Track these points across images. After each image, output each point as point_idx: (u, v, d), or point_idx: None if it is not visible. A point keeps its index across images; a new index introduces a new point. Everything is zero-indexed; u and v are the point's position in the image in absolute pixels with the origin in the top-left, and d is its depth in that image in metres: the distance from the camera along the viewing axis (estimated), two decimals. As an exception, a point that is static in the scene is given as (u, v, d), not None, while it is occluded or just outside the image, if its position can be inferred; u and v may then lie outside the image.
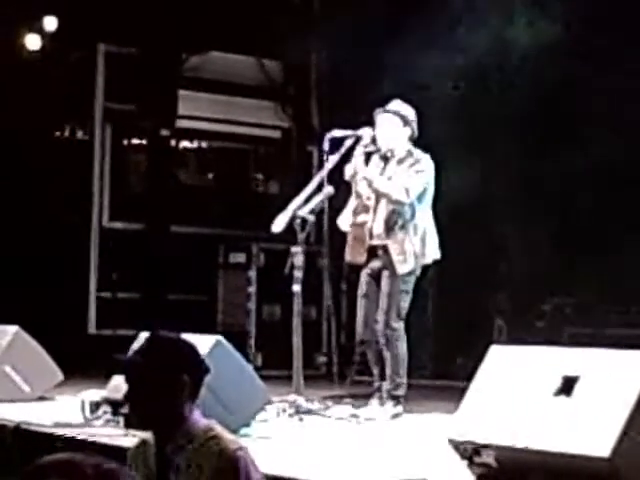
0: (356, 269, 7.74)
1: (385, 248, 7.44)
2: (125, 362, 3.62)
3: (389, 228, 7.43)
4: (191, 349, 3.57)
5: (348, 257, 7.71)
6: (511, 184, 10.59)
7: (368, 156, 7.61)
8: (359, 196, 7.57)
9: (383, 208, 7.47)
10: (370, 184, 7.45)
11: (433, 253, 7.54)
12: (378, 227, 7.49)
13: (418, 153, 7.52)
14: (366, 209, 7.55)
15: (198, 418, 3.51)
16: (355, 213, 7.61)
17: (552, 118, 10.13)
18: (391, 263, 7.38)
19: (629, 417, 4.27)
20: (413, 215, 7.42)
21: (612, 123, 9.67)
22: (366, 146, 7.56)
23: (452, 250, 8.48)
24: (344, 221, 7.68)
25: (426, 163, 7.48)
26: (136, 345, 6.27)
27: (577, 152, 9.81)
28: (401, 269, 7.37)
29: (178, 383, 3.46)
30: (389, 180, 7.46)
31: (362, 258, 7.56)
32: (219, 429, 3.50)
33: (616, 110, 9.64)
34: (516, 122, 10.39)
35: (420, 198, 7.44)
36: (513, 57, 10.28)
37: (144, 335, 6.38)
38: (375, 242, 7.50)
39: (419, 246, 7.43)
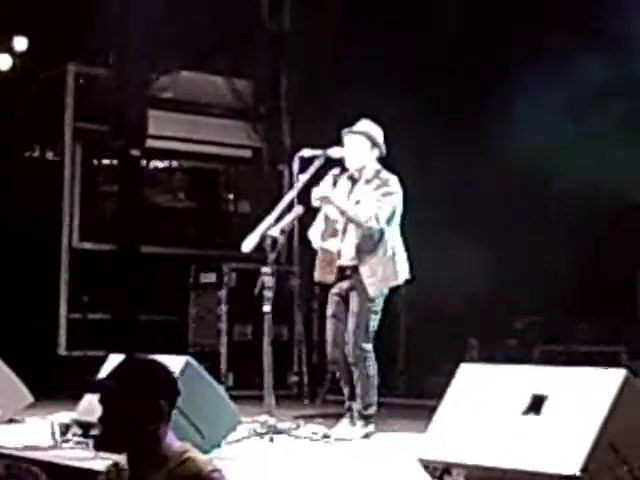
0: (325, 289, 7.75)
1: (355, 269, 7.44)
2: (100, 385, 3.59)
3: (359, 251, 7.43)
4: (166, 372, 3.56)
5: (317, 277, 7.71)
6: (481, 203, 10.65)
7: (335, 182, 7.62)
8: (328, 220, 7.57)
9: (352, 231, 7.47)
10: (342, 213, 7.46)
11: (403, 274, 7.55)
12: (348, 250, 7.49)
13: (386, 174, 7.53)
14: (335, 233, 7.55)
15: (172, 440, 3.50)
16: (324, 237, 7.60)
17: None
18: (361, 284, 7.39)
19: (598, 434, 4.29)
20: (382, 237, 7.43)
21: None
22: (335, 175, 7.59)
23: (423, 269, 8.51)
24: (314, 235, 7.66)
25: (394, 184, 7.49)
26: (108, 366, 6.25)
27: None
28: (372, 291, 7.38)
29: (155, 408, 3.45)
30: (357, 204, 7.46)
31: (331, 277, 7.56)
32: (193, 451, 3.50)
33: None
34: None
35: (389, 220, 7.45)
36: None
37: (114, 356, 6.38)
38: (344, 263, 7.50)
39: (389, 268, 7.44)
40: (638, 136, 9.50)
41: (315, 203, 7.49)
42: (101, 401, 3.50)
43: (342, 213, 7.45)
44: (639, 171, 9.47)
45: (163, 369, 3.55)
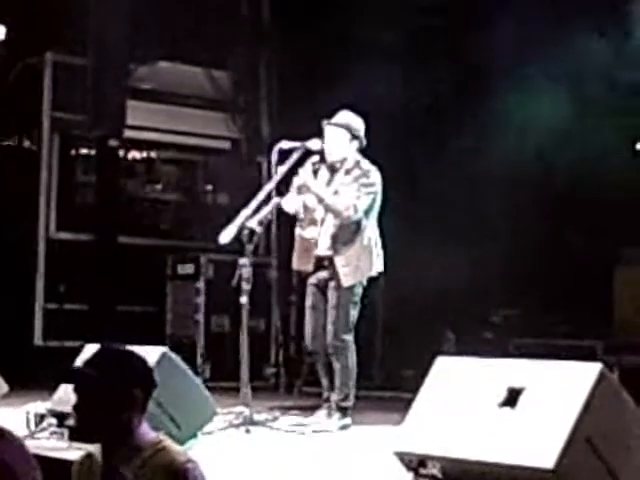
0: (303, 278, 7.75)
1: (331, 260, 7.45)
2: (76, 374, 3.58)
3: (335, 241, 7.44)
4: (142, 363, 3.56)
5: (295, 265, 7.72)
6: (459, 197, 10.66)
7: (315, 172, 7.61)
8: (306, 209, 7.57)
9: (330, 221, 7.48)
10: (320, 201, 7.45)
11: (378, 266, 7.56)
12: (325, 239, 7.50)
13: (366, 165, 7.53)
14: (313, 222, 7.56)
15: (146, 430, 3.49)
16: (302, 226, 7.60)
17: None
18: (336, 275, 7.40)
19: (573, 428, 4.30)
20: (359, 228, 7.44)
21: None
22: (314, 163, 7.57)
23: (401, 261, 8.51)
24: (289, 203, 7.60)
25: (373, 176, 7.49)
26: (83, 356, 6.23)
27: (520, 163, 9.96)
28: (346, 282, 7.39)
29: (130, 397, 3.45)
30: (336, 194, 7.47)
31: (309, 267, 7.57)
32: (168, 441, 3.49)
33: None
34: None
35: (367, 211, 7.45)
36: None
37: (91, 347, 6.36)
38: (322, 253, 7.51)
39: (364, 259, 7.45)
40: (617, 119, 9.55)
41: (294, 191, 7.49)
42: (76, 390, 3.50)
43: (320, 201, 7.45)
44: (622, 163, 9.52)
45: (138, 359, 3.56)
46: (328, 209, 7.45)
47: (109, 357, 3.56)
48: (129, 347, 3.66)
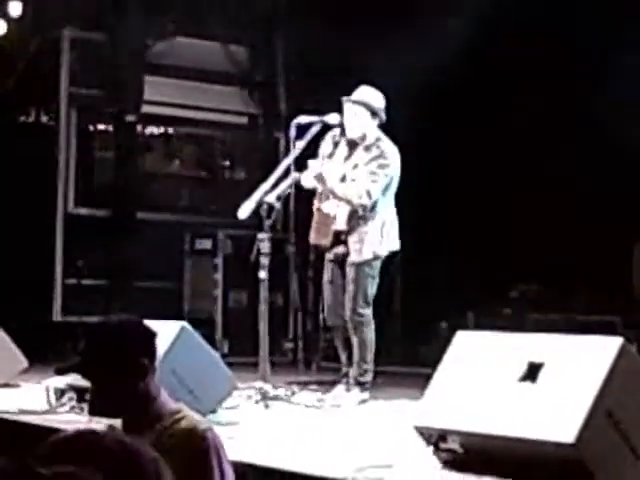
0: (321, 253, 7.72)
1: (348, 234, 7.42)
2: (74, 364, 3.57)
3: (352, 217, 7.41)
4: (143, 329, 3.52)
5: (313, 239, 7.67)
6: (474, 172, 10.63)
7: (335, 144, 7.57)
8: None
9: None
10: (332, 192, 7.40)
11: (391, 245, 7.50)
12: (342, 215, 7.47)
13: (385, 145, 7.44)
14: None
15: (167, 400, 3.48)
16: (320, 200, 7.58)
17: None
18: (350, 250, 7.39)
19: (594, 403, 4.29)
20: (374, 206, 7.39)
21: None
22: (335, 136, 7.53)
23: (419, 237, 8.50)
24: (307, 178, 7.54)
25: (391, 156, 7.42)
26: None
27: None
28: (357, 258, 7.36)
29: (135, 365, 3.43)
30: (355, 168, 7.42)
31: (327, 241, 7.53)
32: (188, 411, 3.48)
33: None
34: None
35: (384, 190, 7.40)
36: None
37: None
38: (339, 227, 7.47)
39: (376, 237, 7.40)
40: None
41: (313, 165, 7.43)
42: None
43: (331, 193, 7.41)
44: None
45: (138, 326, 3.52)
46: (342, 200, 7.39)
47: (107, 331, 3.54)
48: (129, 317, 3.62)
